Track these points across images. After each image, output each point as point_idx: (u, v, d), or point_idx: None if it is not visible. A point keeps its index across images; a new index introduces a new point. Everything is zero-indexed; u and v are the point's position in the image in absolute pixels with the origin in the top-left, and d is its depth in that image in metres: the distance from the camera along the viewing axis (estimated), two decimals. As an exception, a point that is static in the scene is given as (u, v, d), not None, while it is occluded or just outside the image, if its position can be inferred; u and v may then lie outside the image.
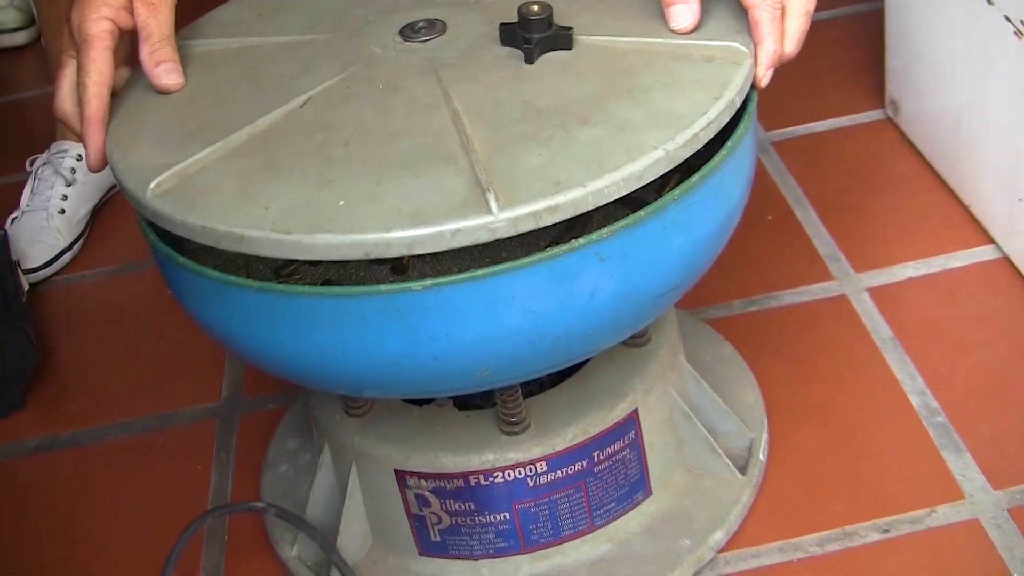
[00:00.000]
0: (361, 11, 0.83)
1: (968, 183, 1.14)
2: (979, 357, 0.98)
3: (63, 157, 1.39)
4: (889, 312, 1.04)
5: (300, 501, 0.92)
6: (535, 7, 0.74)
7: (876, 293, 1.07)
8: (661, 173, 0.65)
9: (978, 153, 1.11)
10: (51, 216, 1.35)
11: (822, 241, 1.14)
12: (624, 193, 0.64)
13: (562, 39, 0.75)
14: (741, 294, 1.09)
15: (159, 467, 1.05)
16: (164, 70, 0.79)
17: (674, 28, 0.75)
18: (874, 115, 1.32)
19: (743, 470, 0.88)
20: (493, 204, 0.62)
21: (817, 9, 1.54)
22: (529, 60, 0.75)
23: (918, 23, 1.18)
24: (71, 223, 1.37)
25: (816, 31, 1.49)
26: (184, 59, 0.82)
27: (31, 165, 1.43)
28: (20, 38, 1.97)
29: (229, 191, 0.68)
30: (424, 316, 0.64)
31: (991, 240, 1.10)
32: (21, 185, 1.41)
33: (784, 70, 1.40)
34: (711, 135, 0.68)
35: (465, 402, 0.84)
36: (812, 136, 1.31)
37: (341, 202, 0.64)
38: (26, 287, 1.23)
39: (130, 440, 1.09)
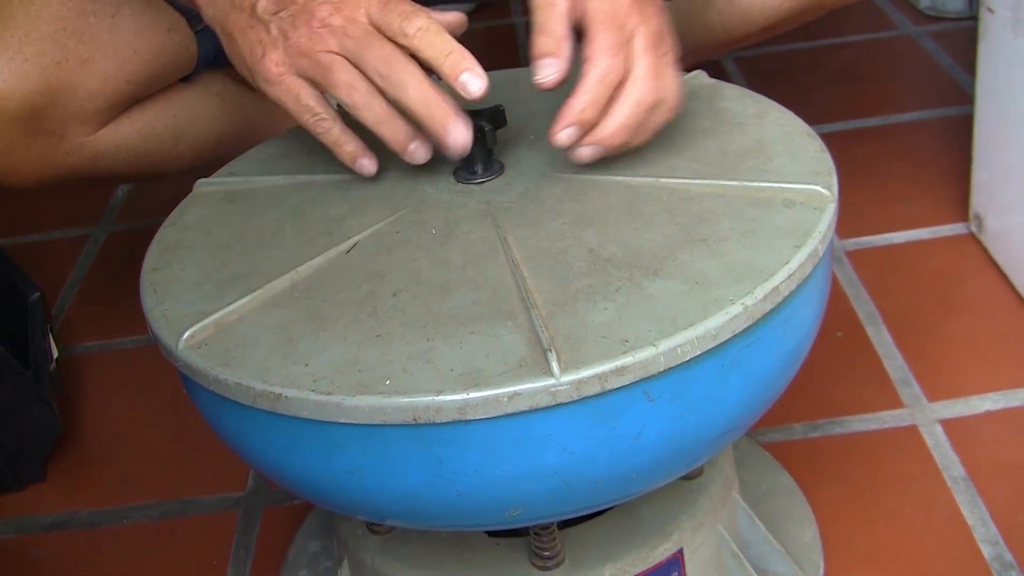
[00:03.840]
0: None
1: (1055, 312, 1.07)
2: (1060, 506, 0.90)
3: None
4: (963, 448, 0.97)
5: (317, 610, 0.86)
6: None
7: (950, 425, 0.99)
8: (740, 330, 0.60)
9: (1068, 281, 1.04)
10: None
11: (894, 364, 1.07)
12: (699, 352, 0.58)
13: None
14: (803, 417, 1.02)
15: (175, 558, 0.99)
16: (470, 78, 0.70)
17: (537, 81, 0.69)
18: (956, 229, 1.25)
19: (794, 619, 0.80)
20: (554, 365, 0.56)
21: (901, 111, 1.50)
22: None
23: (1010, 136, 1.11)
24: None
25: (899, 134, 1.45)
26: (228, 197, 0.79)
27: None
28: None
29: (267, 345, 0.63)
30: (449, 448, 0.58)
31: (1078, 376, 1.02)
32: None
33: (863, 174, 1.34)
34: (793, 287, 0.62)
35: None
36: (889, 248, 1.24)
37: (388, 366, 0.60)
38: (56, 354, 1.19)
39: (148, 525, 1.03)
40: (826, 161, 0.72)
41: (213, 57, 1.12)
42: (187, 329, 0.66)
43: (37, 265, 1.40)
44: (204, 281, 0.71)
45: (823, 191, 0.69)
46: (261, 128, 1.21)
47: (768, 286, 0.61)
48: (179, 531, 1.02)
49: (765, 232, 0.66)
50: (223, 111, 1.17)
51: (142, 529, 1.03)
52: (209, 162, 1.09)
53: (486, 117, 0.73)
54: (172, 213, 0.80)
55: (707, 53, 1.20)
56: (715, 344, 0.59)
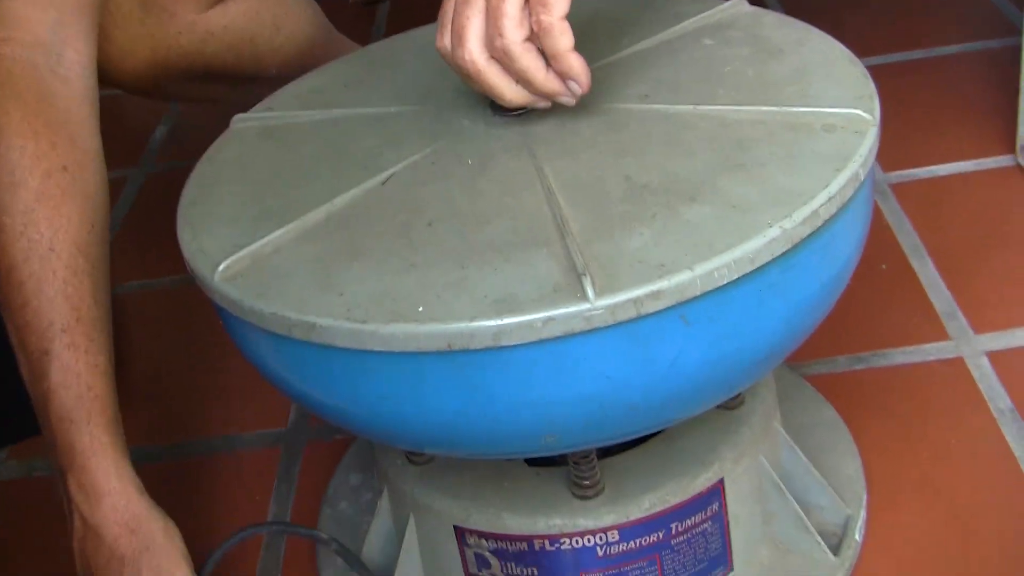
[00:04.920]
0: (450, 82, 0.77)
1: (1104, 242, 1.05)
2: (1108, 438, 0.89)
3: None
4: (1009, 380, 0.95)
5: (357, 541, 0.86)
6: None
7: (996, 358, 0.98)
8: (778, 254, 0.59)
9: (1118, 210, 1.02)
10: None
11: (939, 296, 1.05)
12: (736, 276, 0.57)
13: None
14: (847, 349, 1.01)
15: (217, 494, 1.00)
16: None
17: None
18: (1003, 161, 1.22)
19: (836, 550, 0.80)
20: (589, 290, 0.56)
21: (945, 43, 1.47)
22: None
23: (1058, 64, 1.09)
24: None
25: (942, 67, 1.42)
26: (265, 132, 0.80)
27: None
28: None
29: (302, 276, 0.63)
30: (484, 374, 0.58)
31: None
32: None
33: (907, 107, 1.32)
34: (833, 211, 0.61)
35: (536, 457, 0.77)
36: (934, 180, 1.22)
37: (422, 294, 0.59)
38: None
39: (190, 462, 1.04)
40: (867, 86, 0.71)
41: None
42: (223, 261, 0.66)
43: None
44: (240, 215, 0.71)
45: (864, 115, 0.67)
46: (344, 46, 1.25)
47: (807, 210, 0.60)
48: (221, 467, 1.03)
49: (805, 157, 0.64)
50: (314, 14, 1.21)
51: (184, 467, 1.04)
52: (300, 68, 1.11)
53: None
54: (209, 149, 0.80)
55: None
56: (753, 268, 0.58)
